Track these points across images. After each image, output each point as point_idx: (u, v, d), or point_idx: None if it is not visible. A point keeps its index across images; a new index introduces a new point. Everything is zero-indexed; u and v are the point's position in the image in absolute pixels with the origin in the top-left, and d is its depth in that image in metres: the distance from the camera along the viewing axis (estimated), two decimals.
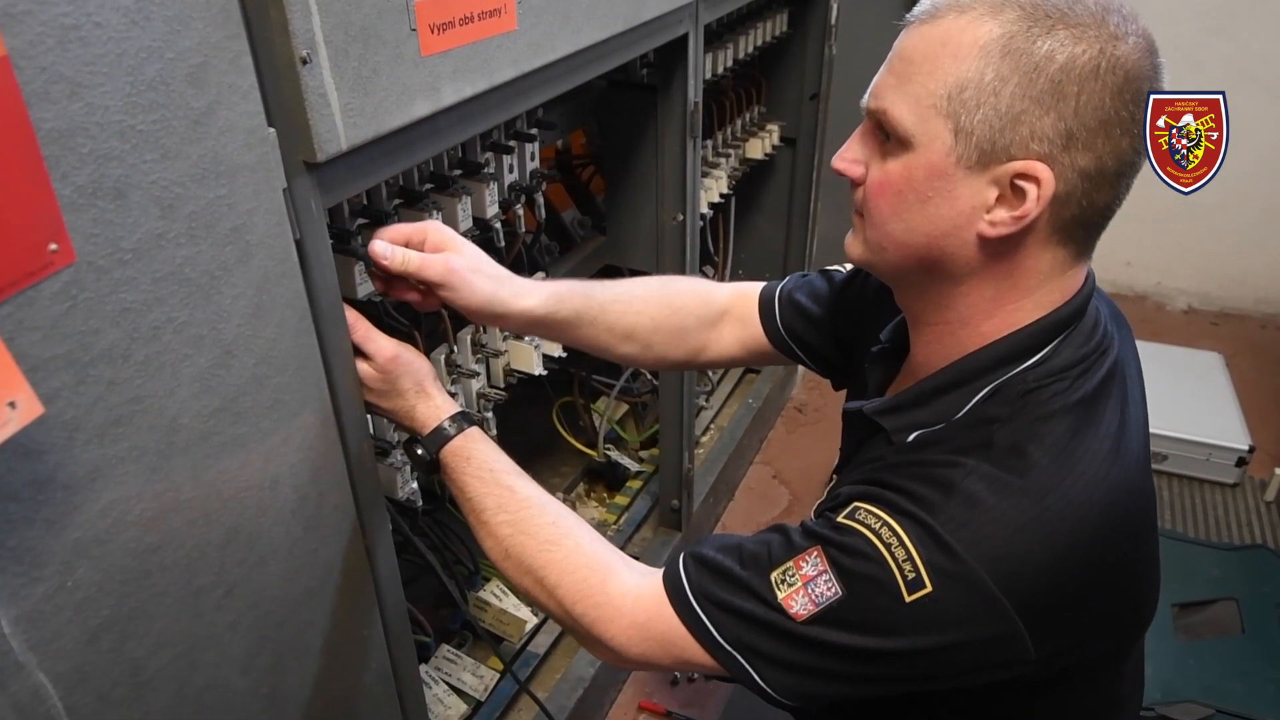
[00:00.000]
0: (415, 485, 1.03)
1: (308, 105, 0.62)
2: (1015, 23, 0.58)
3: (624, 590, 0.71)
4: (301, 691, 0.78)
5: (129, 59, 0.51)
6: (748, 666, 0.66)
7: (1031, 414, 0.63)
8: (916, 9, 0.63)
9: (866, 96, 0.66)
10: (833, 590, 0.62)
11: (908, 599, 0.60)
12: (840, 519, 0.64)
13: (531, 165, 1.15)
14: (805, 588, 0.63)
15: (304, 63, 0.60)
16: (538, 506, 0.76)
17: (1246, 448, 1.96)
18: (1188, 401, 2.08)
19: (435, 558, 1.33)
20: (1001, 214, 0.61)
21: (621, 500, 1.75)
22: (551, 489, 1.75)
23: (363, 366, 0.79)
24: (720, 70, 1.56)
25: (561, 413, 1.73)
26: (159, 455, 0.59)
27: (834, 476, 0.85)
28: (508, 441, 1.24)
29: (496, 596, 1.43)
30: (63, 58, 0.47)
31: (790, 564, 0.64)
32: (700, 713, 1.50)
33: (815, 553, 0.64)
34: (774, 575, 0.65)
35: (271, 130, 0.62)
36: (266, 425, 0.67)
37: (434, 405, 0.81)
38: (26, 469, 0.50)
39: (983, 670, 0.63)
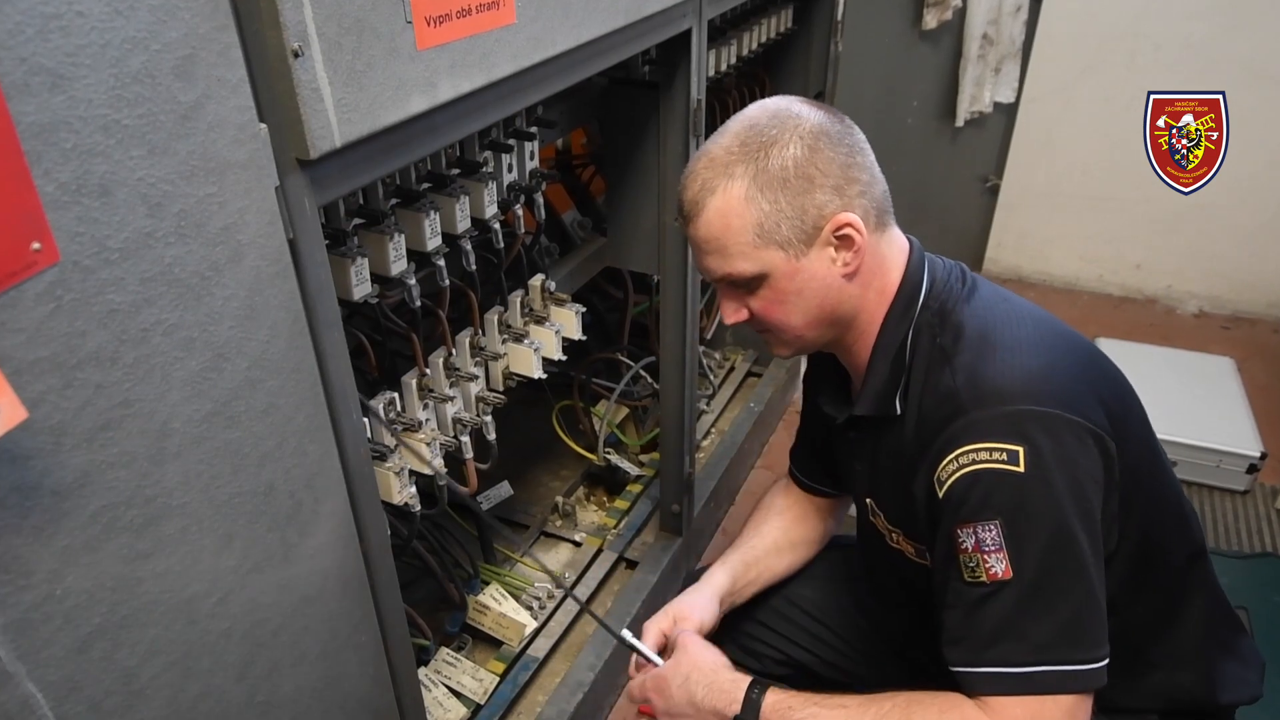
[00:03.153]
0: (413, 489, 1.01)
1: (300, 100, 0.60)
2: (746, 170, 0.81)
3: (979, 713, 0.77)
4: (298, 698, 0.77)
5: (113, 50, 0.49)
6: (1061, 667, 0.74)
7: (949, 316, 0.85)
8: (683, 211, 0.86)
9: (704, 275, 0.89)
10: (991, 528, 0.75)
11: (1022, 468, 0.74)
12: (940, 496, 0.78)
13: (531, 165, 1.14)
14: (982, 553, 0.75)
15: (296, 56, 0.59)
16: (871, 702, 0.82)
17: (1258, 454, 1.93)
18: (1198, 407, 2.06)
19: (435, 561, 1.32)
20: (845, 256, 0.83)
21: (622, 504, 1.73)
22: (551, 493, 1.76)
23: (650, 673, 0.92)
24: (723, 67, 1.55)
25: (561, 416, 1.72)
26: (150, 460, 0.58)
27: (867, 501, 0.98)
28: (507, 445, 1.24)
29: (496, 600, 1.42)
30: (43, 48, 0.46)
31: (959, 559, 0.77)
32: None
33: (958, 532, 0.77)
34: (967, 578, 0.77)
35: (263, 126, 0.60)
36: (260, 430, 0.66)
37: (729, 679, 0.88)
38: (12, 475, 0.49)
39: (1110, 477, 0.78)
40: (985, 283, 0.89)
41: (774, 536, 1.12)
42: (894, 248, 0.88)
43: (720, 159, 0.82)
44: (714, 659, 0.91)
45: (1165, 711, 0.92)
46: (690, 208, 0.84)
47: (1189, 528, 0.92)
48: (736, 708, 0.85)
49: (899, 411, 0.86)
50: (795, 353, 0.93)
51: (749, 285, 0.85)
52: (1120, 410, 0.83)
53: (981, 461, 0.75)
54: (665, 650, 0.97)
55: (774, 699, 0.84)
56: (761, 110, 0.84)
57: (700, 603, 1.01)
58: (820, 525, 1.15)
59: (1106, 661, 0.76)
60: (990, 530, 0.74)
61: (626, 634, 0.97)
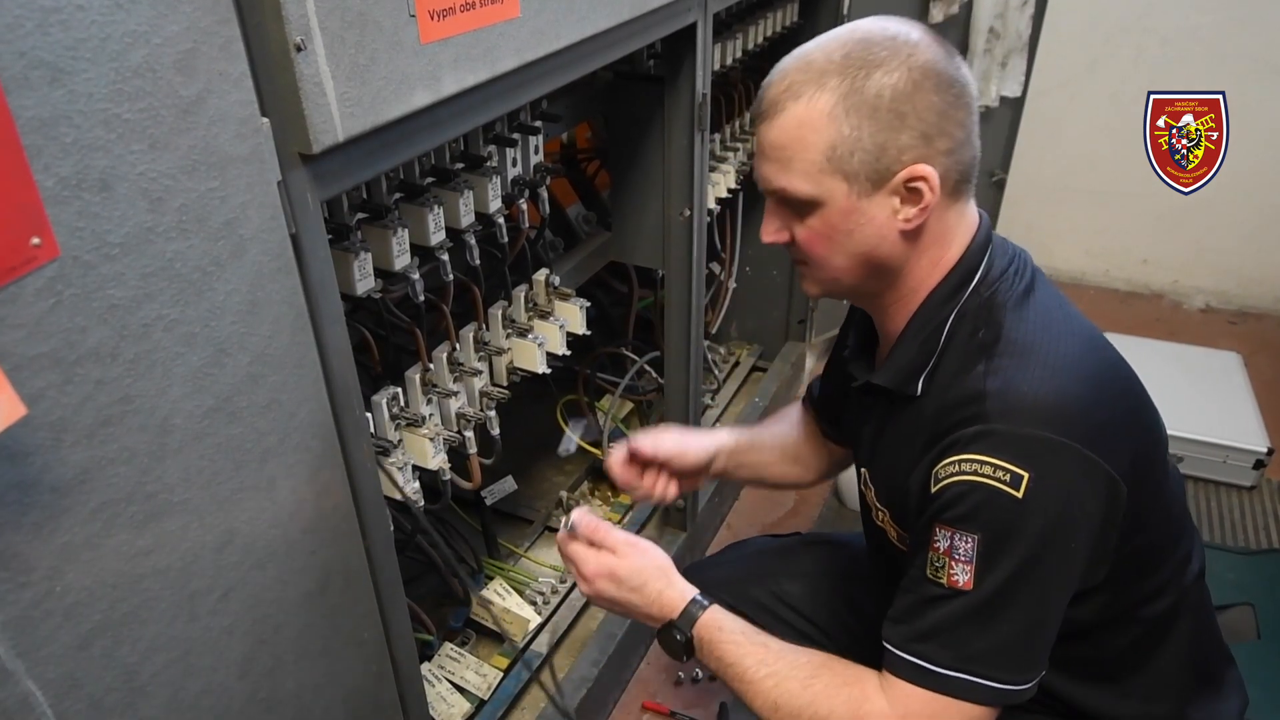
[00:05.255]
0: (417, 484, 1.01)
1: (302, 94, 0.60)
2: (839, 85, 0.74)
3: (881, 693, 0.78)
4: (300, 695, 0.77)
5: (113, 44, 0.49)
6: (977, 680, 0.74)
7: (998, 312, 0.79)
8: (761, 108, 0.79)
9: (759, 182, 0.82)
10: (969, 540, 0.73)
11: (1020, 494, 0.71)
12: (933, 491, 0.76)
13: (535, 159, 1.13)
14: (952, 558, 0.74)
15: (298, 50, 0.58)
16: (790, 652, 0.83)
17: (1265, 450, 1.92)
18: (1204, 402, 2.05)
19: (438, 556, 1.32)
20: (909, 211, 0.77)
21: (626, 499, 1.73)
22: (555, 487, 1.76)
23: (605, 559, 0.88)
24: (729, 62, 1.54)
25: (565, 411, 1.71)
26: (151, 457, 0.57)
27: (862, 470, 0.96)
28: (511, 440, 1.24)
29: (500, 595, 1.42)
30: (43, 42, 0.46)
31: (928, 554, 0.75)
32: (704, 713, 1.49)
33: (936, 530, 0.75)
34: (929, 574, 0.75)
35: (265, 120, 0.60)
36: (262, 425, 0.66)
37: (679, 589, 0.88)
38: (11, 472, 0.49)
39: (1110, 522, 0.75)
40: (1046, 284, 0.83)
41: (785, 440, 1.12)
42: (963, 221, 0.81)
43: (817, 64, 0.75)
44: (667, 563, 0.90)
45: None
46: (769, 107, 0.77)
47: (1186, 568, 0.89)
48: (675, 614, 0.86)
49: (919, 393, 0.82)
50: (823, 294, 0.86)
51: (800, 208, 0.79)
52: (1146, 453, 0.80)
53: (983, 475, 0.72)
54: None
55: (709, 617, 0.85)
56: (880, 27, 0.76)
57: (693, 440, 1.02)
58: (824, 459, 1.14)
59: (1031, 684, 0.75)
60: (967, 541, 0.73)
61: (571, 439, 0.98)
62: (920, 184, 0.75)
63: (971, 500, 0.73)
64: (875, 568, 1.05)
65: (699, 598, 0.86)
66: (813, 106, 0.74)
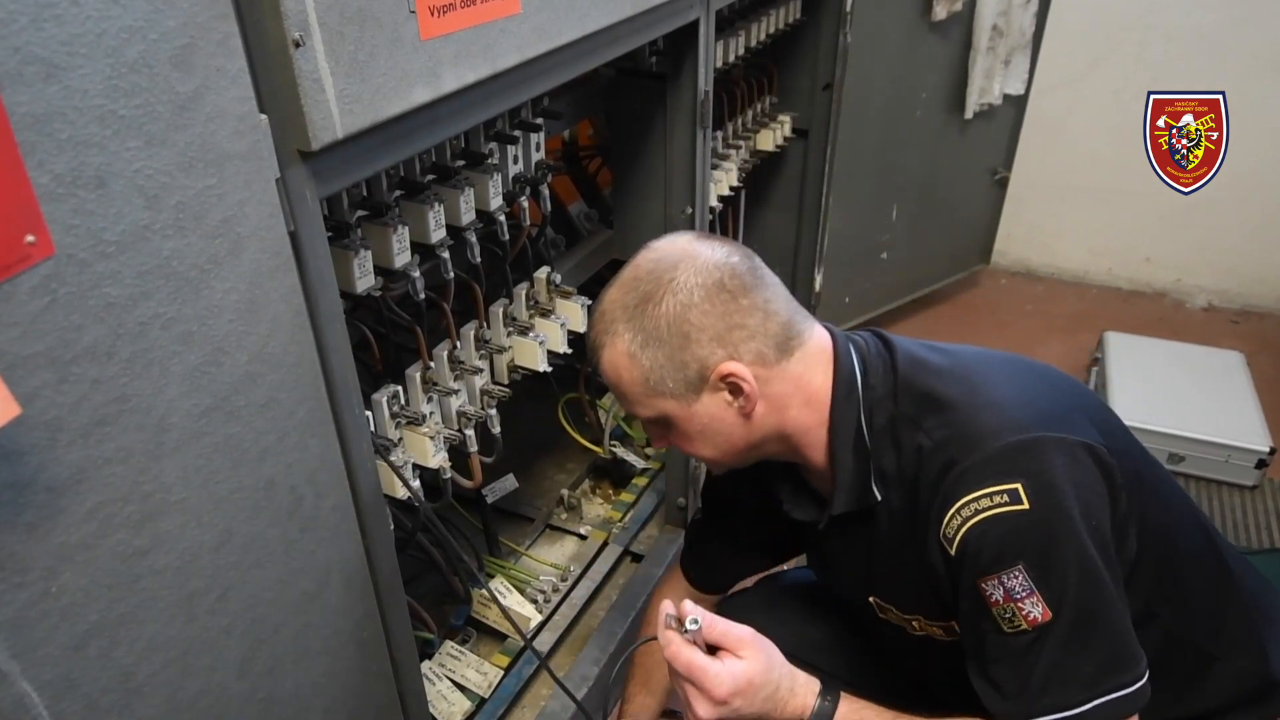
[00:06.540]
0: (417, 483, 1.01)
1: (301, 91, 0.59)
2: (627, 329, 0.82)
3: None
4: (299, 695, 0.77)
5: (109, 39, 0.48)
6: (1111, 697, 0.74)
7: (900, 389, 0.83)
8: (588, 353, 0.87)
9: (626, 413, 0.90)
10: (1016, 574, 0.73)
11: (1027, 504, 0.72)
12: (953, 553, 0.76)
13: (537, 156, 1.13)
14: (1014, 600, 0.74)
15: (297, 46, 0.58)
16: None
17: (1267, 449, 1.91)
18: (1206, 401, 2.04)
19: (439, 554, 1.31)
20: (740, 400, 0.82)
21: (627, 497, 1.73)
22: (556, 486, 1.76)
23: (736, 668, 0.77)
24: (731, 59, 1.53)
25: (567, 409, 1.71)
26: (148, 456, 0.57)
27: (870, 601, 0.95)
28: (512, 439, 1.24)
29: (501, 593, 1.42)
30: (37, 37, 0.45)
31: (992, 613, 0.75)
32: None
33: (982, 586, 0.75)
34: (1006, 629, 0.75)
35: (263, 117, 0.59)
36: (261, 425, 0.65)
37: (801, 682, 0.82)
38: (6, 471, 0.48)
39: (1113, 485, 0.76)
40: (903, 339, 0.88)
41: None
42: (810, 360, 0.85)
43: (608, 313, 0.84)
44: (777, 651, 0.83)
45: (1228, 707, 0.90)
46: (591, 353, 0.87)
47: (1199, 517, 0.91)
48: (806, 713, 0.80)
49: (880, 498, 0.84)
50: (728, 469, 0.92)
51: (657, 424, 0.87)
52: (1102, 416, 0.82)
53: (984, 510, 0.73)
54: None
55: (847, 710, 0.81)
56: (645, 258, 0.84)
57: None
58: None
59: (1145, 677, 0.75)
60: (1016, 577, 0.72)
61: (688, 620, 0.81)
62: (732, 378, 0.81)
63: (991, 538, 0.73)
64: (919, 677, 1.01)
65: (825, 689, 0.82)
66: (615, 351, 0.83)
